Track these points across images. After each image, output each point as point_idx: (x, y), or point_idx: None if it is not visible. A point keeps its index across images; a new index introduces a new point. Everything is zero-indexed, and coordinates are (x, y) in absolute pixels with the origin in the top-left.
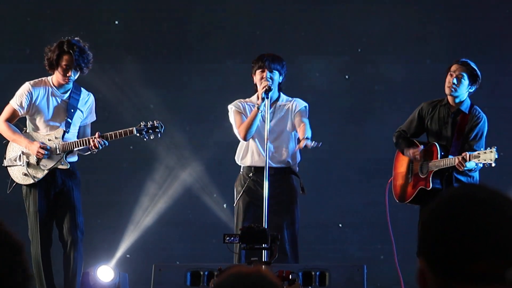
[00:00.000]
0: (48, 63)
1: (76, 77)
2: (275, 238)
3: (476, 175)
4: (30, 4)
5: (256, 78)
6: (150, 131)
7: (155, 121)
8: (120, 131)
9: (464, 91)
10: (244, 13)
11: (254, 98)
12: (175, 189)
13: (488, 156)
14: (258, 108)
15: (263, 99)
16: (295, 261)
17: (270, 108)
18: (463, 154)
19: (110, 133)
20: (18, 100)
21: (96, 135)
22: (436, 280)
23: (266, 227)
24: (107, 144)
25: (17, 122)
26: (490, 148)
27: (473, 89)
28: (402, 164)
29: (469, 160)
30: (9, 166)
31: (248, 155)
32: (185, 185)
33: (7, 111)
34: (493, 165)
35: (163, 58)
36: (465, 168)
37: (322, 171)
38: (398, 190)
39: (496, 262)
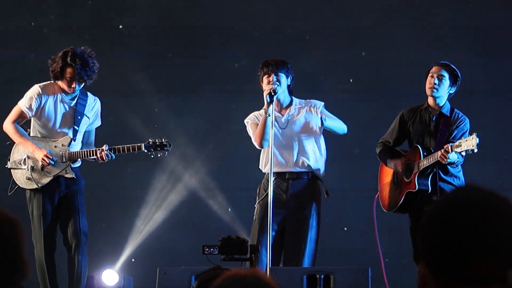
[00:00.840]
0: (52, 74)
1: (81, 87)
2: (255, 249)
3: (461, 175)
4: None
5: (264, 84)
6: (158, 148)
7: (163, 139)
8: (128, 146)
9: (445, 91)
10: (251, 14)
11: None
12: (180, 193)
13: (469, 142)
14: (266, 113)
15: (269, 103)
16: (312, 264)
17: (284, 114)
18: (445, 146)
19: (118, 146)
20: (28, 103)
21: (104, 147)
22: (436, 283)
23: (272, 232)
24: (113, 157)
25: (21, 125)
26: (471, 135)
27: (453, 90)
28: (386, 174)
29: (451, 151)
30: (13, 168)
31: (269, 162)
32: (189, 189)
33: (15, 112)
34: (476, 150)
35: (169, 62)
36: (448, 160)
37: (327, 173)
38: (385, 200)
39: (495, 263)
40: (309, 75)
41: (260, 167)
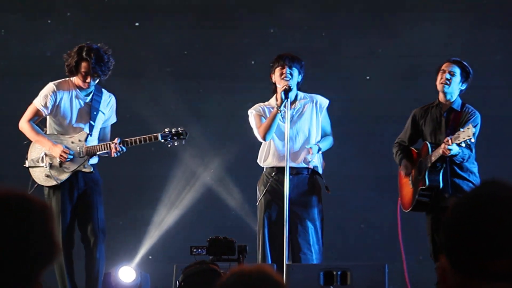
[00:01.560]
0: (67, 69)
1: (96, 82)
2: (243, 250)
3: (476, 170)
4: None
5: (275, 75)
6: (175, 137)
7: (179, 128)
8: (144, 136)
9: (456, 88)
10: (264, 10)
11: (272, 100)
12: (196, 189)
13: (466, 133)
14: (278, 109)
15: (282, 100)
16: (320, 256)
17: (290, 108)
18: (445, 139)
19: (134, 138)
20: (43, 101)
21: (115, 140)
22: (457, 278)
23: (287, 226)
24: (124, 150)
25: (37, 123)
26: (467, 125)
27: (464, 87)
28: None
29: (451, 143)
30: (31, 167)
31: (270, 156)
32: (206, 185)
33: (30, 111)
34: (473, 140)
35: (184, 59)
36: (452, 153)
37: (344, 170)
38: (404, 199)
39: None
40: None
41: (258, 161)
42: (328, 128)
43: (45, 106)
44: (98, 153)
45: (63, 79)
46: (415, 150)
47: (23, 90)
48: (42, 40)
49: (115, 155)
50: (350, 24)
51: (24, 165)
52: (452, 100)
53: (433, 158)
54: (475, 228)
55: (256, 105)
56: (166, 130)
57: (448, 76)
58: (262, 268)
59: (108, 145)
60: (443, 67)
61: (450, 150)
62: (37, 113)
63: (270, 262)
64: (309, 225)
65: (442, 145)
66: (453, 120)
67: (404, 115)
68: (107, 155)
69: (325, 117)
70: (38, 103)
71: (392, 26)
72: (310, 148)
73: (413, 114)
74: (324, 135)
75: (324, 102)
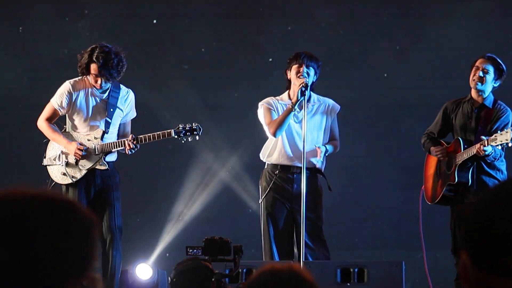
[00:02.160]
0: (79, 69)
1: (108, 85)
2: (238, 250)
3: (504, 168)
4: None
5: (292, 73)
6: (188, 133)
7: (193, 124)
8: (158, 133)
9: (489, 85)
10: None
11: (284, 96)
12: (213, 187)
13: (504, 136)
14: (293, 107)
15: (298, 99)
16: (325, 255)
17: (301, 109)
18: (481, 139)
19: (148, 135)
20: (59, 100)
21: (130, 138)
22: (478, 274)
23: (304, 224)
24: (138, 147)
25: (57, 121)
26: (506, 129)
27: (498, 84)
28: (431, 166)
29: (487, 144)
30: (49, 165)
31: (275, 153)
32: (222, 183)
33: (47, 110)
34: (510, 144)
35: (201, 58)
36: (486, 153)
37: (361, 167)
38: (429, 191)
39: None
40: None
41: (261, 155)
42: (336, 133)
43: (61, 105)
44: (113, 150)
45: (80, 77)
46: (445, 144)
47: (43, 89)
48: (61, 39)
49: (130, 153)
50: (376, 24)
51: (42, 163)
52: (485, 97)
53: (465, 156)
54: (497, 224)
55: (267, 99)
56: (180, 126)
57: (481, 73)
58: (293, 267)
59: (122, 142)
60: (477, 63)
61: (485, 151)
62: (54, 111)
63: (278, 259)
64: (314, 223)
65: (477, 145)
66: (484, 117)
67: (423, 112)
68: (124, 151)
69: (334, 121)
70: (54, 102)
71: (419, 25)
72: (319, 147)
73: (444, 107)
74: (331, 139)
75: (336, 107)
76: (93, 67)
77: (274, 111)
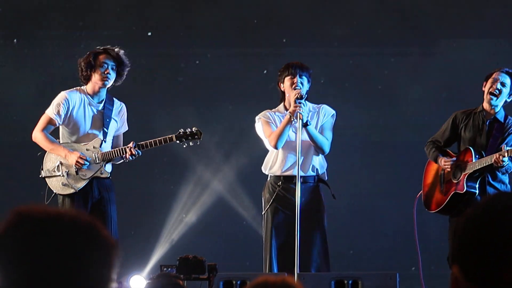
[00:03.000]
0: (81, 73)
1: (112, 81)
2: (213, 269)
3: (507, 181)
4: None
5: (285, 85)
6: (190, 137)
7: (193, 128)
8: (159, 138)
9: (503, 99)
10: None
11: (281, 107)
12: (207, 199)
13: None
14: (291, 117)
15: (295, 107)
16: (327, 269)
17: (299, 118)
18: (502, 148)
19: (149, 141)
20: (55, 109)
21: (131, 145)
22: (469, 287)
23: (298, 235)
24: (140, 153)
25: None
26: None
27: (511, 99)
28: (432, 174)
29: (508, 155)
30: (47, 177)
31: (276, 164)
32: (216, 195)
33: (43, 120)
34: (507, 178)
35: (194, 69)
36: (504, 164)
37: (355, 179)
38: (429, 199)
39: None
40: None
41: (263, 168)
42: (327, 133)
43: (58, 114)
44: (114, 158)
45: (75, 88)
46: (451, 153)
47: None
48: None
49: (130, 158)
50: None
51: (40, 176)
52: (497, 111)
53: (478, 165)
54: (488, 238)
55: (264, 112)
56: (180, 131)
57: (499, 86)
58: (286, 280)
59: (123, 149)
60: (495, 75)
61: (503, 161)
62: (50, 122)
63: (276, 271)
64: (317, 233)
65: (495, 155)
66: (496, 131)
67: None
68: (121, 161)
69: (327, 123)
70: (50, 112)
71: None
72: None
73: (454, 116)
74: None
75: (329, 111)
76: (103, 56)
77: (272, 123)
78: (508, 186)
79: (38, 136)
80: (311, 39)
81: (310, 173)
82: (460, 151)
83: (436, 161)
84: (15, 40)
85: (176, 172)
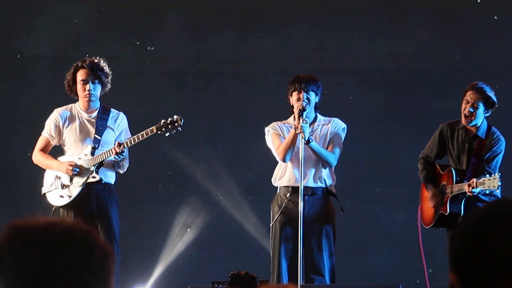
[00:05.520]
0: (68, 88)
1: (98, 92)
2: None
3: (499, 194)
4: None
5: (293, 99)
6: (170, 126)
7: (174, 116)
8: (141, 133)
9: (481, 117)
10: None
11: (290, 119)
12: (210, 210)
13: (491, 183)
14: (295, 129)
15: (299, 119)
16: (332, 281)
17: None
18: (471, 180)
19: (133, 137)
20: (48, 128)
21: (116, 144)
22: None
23: (302, 246)
24: (125, 151)
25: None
26: (494, 175)
27: (490, 113)
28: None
29: (476, 187)
30: (47, 192)
31: (285, 176)
32: (220, 206)
33: (40, 142)
34: (497, 191)
35: (196, 76)
36: (475, 194)
37: (359, 190)
38: (424, 214)
39: None
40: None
41: (272, 180)
42: (335, 146)
43: (50, 134)
44: (104, 161)
45: (67, 105)
46: (439, 169)
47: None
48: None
49: (118, 158)
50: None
51: (42, 193)
52: (478, 126)
53: (456, 190)
54: (484, 246)
55: (273, 124)
56: (161, 122)
57: (471, 109)
58: None
59: (110, 150)
60: (467, 97)
61: (473, 193)
62: (46, 142)
63: (286, 282)
64: (324, 246)
65: (466, 187)
66: (477, 148)
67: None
68: (120, 165)
69: (336, 136)
70: (45, 132)
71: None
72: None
73: (440, 130)
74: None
75: (339, 124)
76: (80, 73)
77: (281, 135)
78: (500, 196)
79: (36, 156)
80: None
81: (319, 184)
82: (445, 170)
83: (426, 189)
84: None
85: (179, 183)
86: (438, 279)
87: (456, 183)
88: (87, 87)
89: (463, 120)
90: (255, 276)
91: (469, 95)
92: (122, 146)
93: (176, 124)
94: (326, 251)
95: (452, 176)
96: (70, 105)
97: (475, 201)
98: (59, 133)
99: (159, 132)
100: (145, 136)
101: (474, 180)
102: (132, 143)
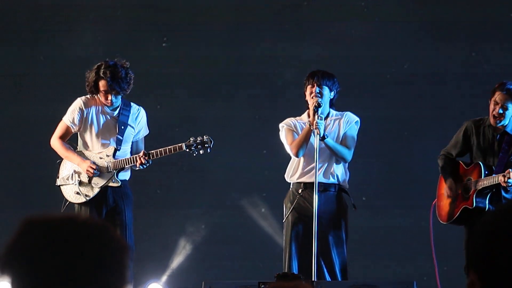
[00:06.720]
0: (88, 89)
1: (120, 99)
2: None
3: None
4: None
5: (307, 93)
6: (199, 146)
7: (204, 136)
8: (169, 147)
9: (509, 118)
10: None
11: (304, 116)
12: (225, 207)
13: None
14: (310, 125)
15: (314, 115)
16: (344, 277)
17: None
18: (506, 171)
19: (159, 150)
20: (70, 116)
21: (141, 154)
22: None
23: (316, 243)
24: (150, 162)
25: (69, 141)
26: None
27: None
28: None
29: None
30: (62, 185)
31: (298, 171)
32: (234, 202)
33: (60, 128)
34: None
35: (211, 72)
36: (510, 184)
37: (372, 187)
38: (442, 210)
39: None
40: None
41: (285, 176)
42: (349, 141)
43: (73, 122)
44: (126, 167)
45: (91, 95)
46: (463, 164)
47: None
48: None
49: (141, 167)
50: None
51: (56, 184)
52: (506, 124)
53: (487, 183)
54: (505, 244)
55: (287, 120)
56: (190, 139)
57: (500, 111)
58: (300, 285)
59: (134, 158)
60: (496, 98)
61: (509, 183)
62: (67, 129)
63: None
64: (336, 243)
65: (501, 177)
66: (506, 144)
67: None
68: (136, 168)
69: (350, 130)
70: (66, 119)
71: None
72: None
73: (465, 128)
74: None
75: (352, 118)
76: (102, 83)
77: (295, 131)
78: None
79: (55, 143)
80: None
81: (332, 180)
82: (471, 165)
83: (445, 181)
84: None
85: (193, 179)
86: (450, 277)
87: (485, 177)
88: (109, 97)
89: (491, 120)
90: (301, 277)
91: (498, 96)
92: (147, 157)
93: (206, 145)
94: (338, 248)
95: (481, 170)
96: (94, 96)
97: (498, 200)
98: (81, 122)
99: (187, 149)
100: (172, 152)
101: (510, 170)
102: (159, 155)
